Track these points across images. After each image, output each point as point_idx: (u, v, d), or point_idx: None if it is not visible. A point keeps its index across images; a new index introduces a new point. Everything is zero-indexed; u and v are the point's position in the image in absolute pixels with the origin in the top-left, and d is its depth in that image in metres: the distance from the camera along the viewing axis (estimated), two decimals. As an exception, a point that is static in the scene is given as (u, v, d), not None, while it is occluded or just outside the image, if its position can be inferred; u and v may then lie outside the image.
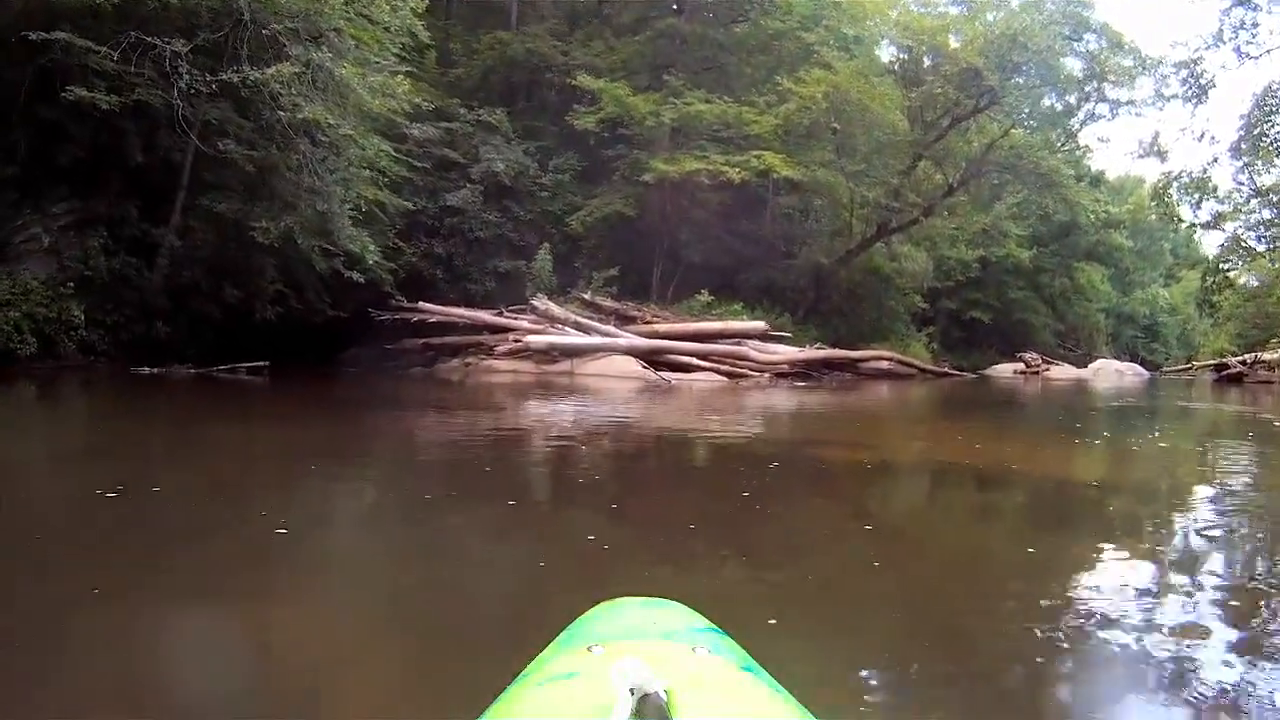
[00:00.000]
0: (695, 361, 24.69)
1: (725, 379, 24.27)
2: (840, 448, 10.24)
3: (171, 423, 11.73)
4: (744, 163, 29.04)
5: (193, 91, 18.42)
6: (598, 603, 1.70)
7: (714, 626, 1.63)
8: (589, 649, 1.46)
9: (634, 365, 23.68)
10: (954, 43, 35.33)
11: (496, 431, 11.49)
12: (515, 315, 26.30)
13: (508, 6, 35.29)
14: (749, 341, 26.42)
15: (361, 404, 16.00)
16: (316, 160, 20.36)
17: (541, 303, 26.03)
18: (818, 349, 28.70)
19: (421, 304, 25.93)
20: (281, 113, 19.01)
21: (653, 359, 24.25)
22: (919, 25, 36.02)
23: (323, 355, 25.65)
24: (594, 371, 23.47)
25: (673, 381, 22.35)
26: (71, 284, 18.94)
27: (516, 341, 24.41)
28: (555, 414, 14.06)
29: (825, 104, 30.51)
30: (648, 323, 26.89)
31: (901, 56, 39.59)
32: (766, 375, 25.31)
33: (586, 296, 27.31)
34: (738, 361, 25.47)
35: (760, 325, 27.17)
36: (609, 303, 27.46)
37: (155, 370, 18.93)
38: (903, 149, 35.04)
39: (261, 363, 20.19)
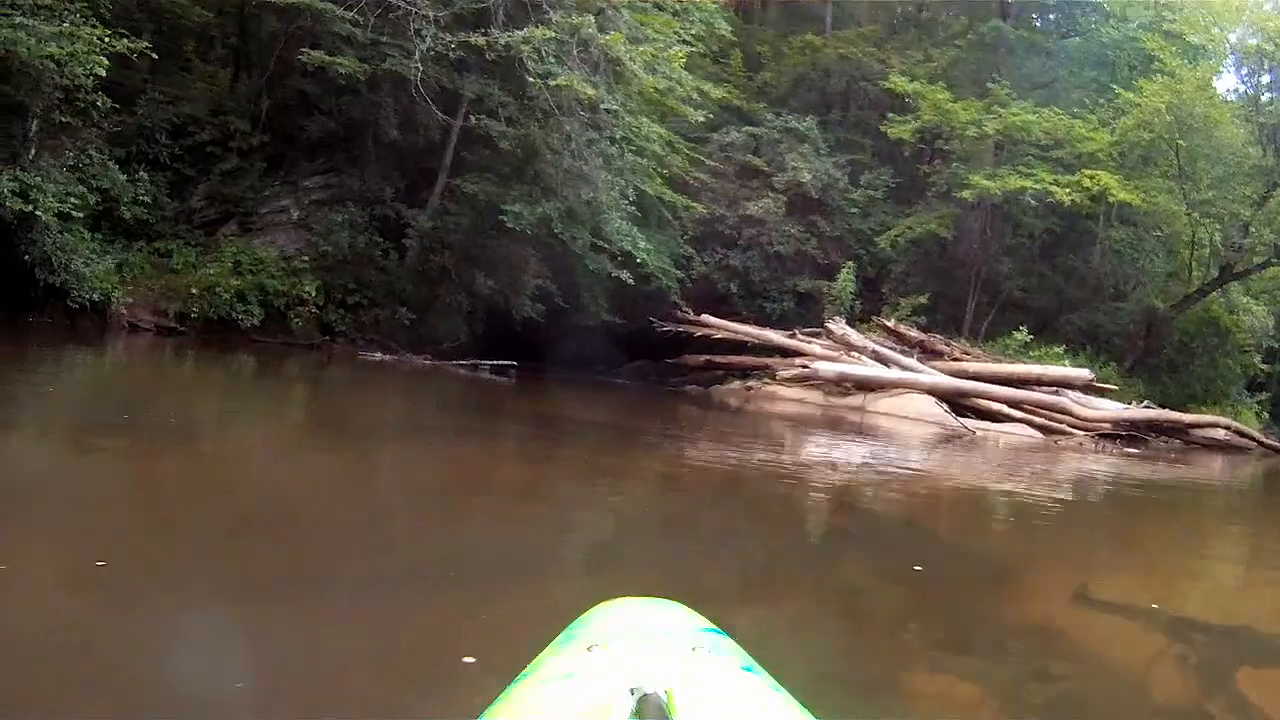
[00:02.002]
0: (1005, 410, 21.70)
1: (1039, 434, 20.63)
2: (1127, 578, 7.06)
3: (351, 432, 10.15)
4: (1075, 183, 25.28)
5: (433, 54, 17.03)
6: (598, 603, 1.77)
7: (714, 626, 1.72)
8: (589, 649, 1.53)
9: (934, 407, 20.63)
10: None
11: (775, 466, 10.74)
12: (809, 339, 23.91)
13: (821, 11, 33.16)
14: (1069, 392, 23.10)
15: (607, 425, 14.28)
16: (581, 141, 18.26)
17: (838, 326, 23.47)
18: (1145, 408, 24.88)
19: (704, 317, 24.07)
20: (530, 78, 17.12)
21: (957, 402, 21.49)
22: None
23: (593, 363, 24.29)
24: (887, 410, 20.60)
25: (977, 432, 19.08)
26: (306, 258, 18.31)
27: (803, 367, 21.97)
28: (837, 454, 12.96)
29: (1169, 117, 26.54)
30: (955, 359, 23.54)
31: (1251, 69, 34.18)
32: (1087, 434, 22.04)
33: (890, 323, 24.42)
34: (1054, 415, 22.13)
35: (1084, 374, 23.10)
36: (914, 332, 24.34)
37: (388, 357, 18.09)
38: (1254, 177, 30.12)
39: (509, 362, 18.88)
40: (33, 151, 14.94)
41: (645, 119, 20.24)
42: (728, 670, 1.49)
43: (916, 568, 5.95)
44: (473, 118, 18.46)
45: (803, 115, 28.98)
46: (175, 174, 18.74)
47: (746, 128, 27.98)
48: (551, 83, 16.91)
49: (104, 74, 14.53)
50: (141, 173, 17.47)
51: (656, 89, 19.72)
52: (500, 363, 18.85)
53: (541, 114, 18.16)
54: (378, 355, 18.12)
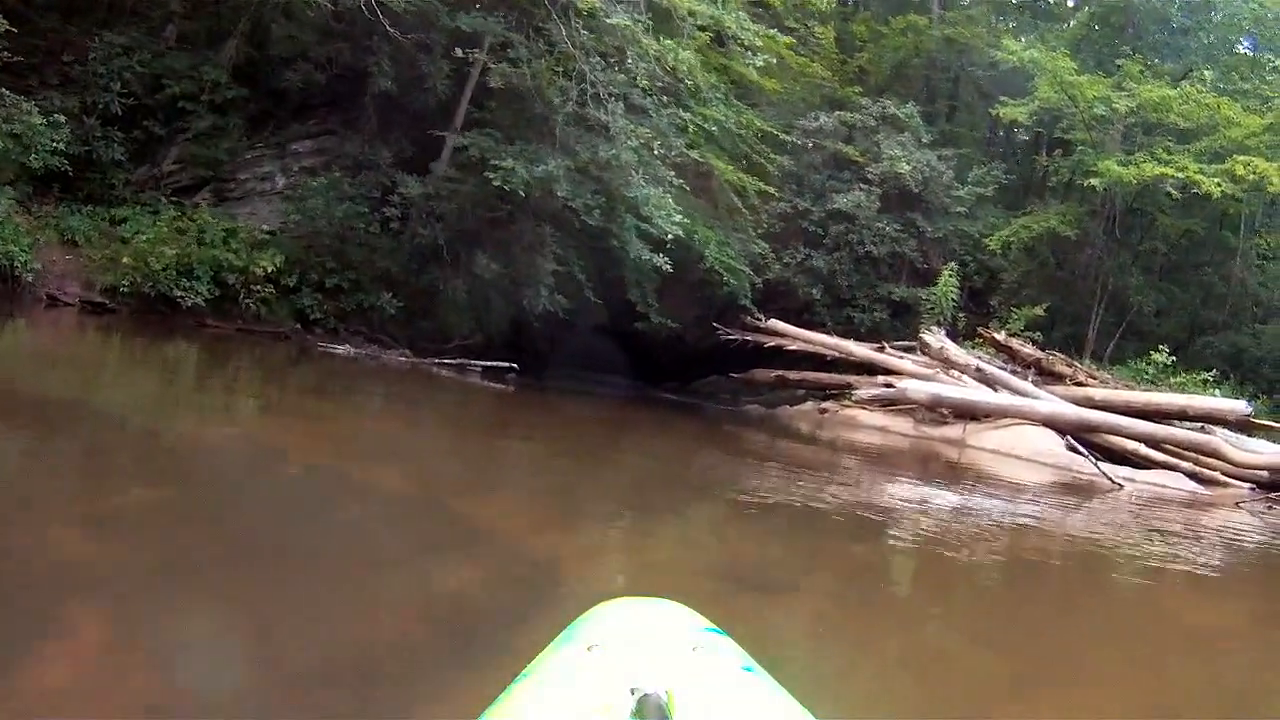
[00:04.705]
0: (1141, 449, 17.60)
1: (1193, 483, 15.89)
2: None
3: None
4: (1224, 171, 21.26)
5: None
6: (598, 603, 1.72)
7: (714, 626, 1.73)
8: (589, 649, 1.53)
9: (1054, 443, 16.80)
10: None
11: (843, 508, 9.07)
12: (900, 354, 20.09)
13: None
14: (1217, 430, 18.90)
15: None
16: (601, 83, 14.69)
17: (935, 338, 19.60)
18: (1312, 451, 20.16)
19: (773, 323, 20.54)
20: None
21: (1083, 437, 17.41)
22: None
23: (651, 377, 20.83)
24: (995, 445, 16.61)
25: (1121, 482, 14.30)
26: (266, 229, 15.77)
27: (887, 386, 18.10)
28: (923, 502, 10.39)
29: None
30: (1079, 383, 19.32)
31: None
32: (1246, 484, 17.58)
33: (1000, 336, 20.39)
34: (1202, 458, 18.11)
35: (1241, 406, 18.76)
36: (1029, 349, 20.23)
37: (356, 351, 15.28)
38: None
39: (505, 364, 15.96)
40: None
41: (695, 64, 16.51)
42: (728, 670, 1.49)
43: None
44: (483, 63, 15.10)
45: (902, 103, 25.41)
46: (145, 133, 16.18)
47: (838, 113, 24.73)
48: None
49: None
50: (91, 122, 15.13)
51: (695, 16, 16.03)
52: (495, 364, 15.84)
53: (551, 50, 14.85)
54: (341, 349, 15.12)
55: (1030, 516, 10.61)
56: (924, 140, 24.87)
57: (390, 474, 7.08)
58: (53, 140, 13.44)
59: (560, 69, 15.23)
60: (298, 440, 7.85)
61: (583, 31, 14.81)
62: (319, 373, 13.71)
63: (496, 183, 14.53)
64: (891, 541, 7.89)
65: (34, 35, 15.09)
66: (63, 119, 13.80)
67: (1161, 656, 5.36)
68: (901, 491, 11.44)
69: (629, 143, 15.06)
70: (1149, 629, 6.02)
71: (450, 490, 6.84)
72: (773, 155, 21.52)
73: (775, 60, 19.31)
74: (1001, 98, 24.74)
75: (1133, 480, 14.61)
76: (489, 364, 16.01)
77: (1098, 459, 15.44)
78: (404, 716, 2.88)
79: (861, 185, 23.57)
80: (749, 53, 17.02)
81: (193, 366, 12.59)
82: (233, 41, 16.21)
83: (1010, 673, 4.52)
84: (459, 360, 16.00)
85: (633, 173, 15.20)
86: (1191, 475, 16.53)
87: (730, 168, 19.64)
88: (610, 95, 14.85)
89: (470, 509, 6.21)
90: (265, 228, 15.76)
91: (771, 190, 21.27)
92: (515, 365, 16.31)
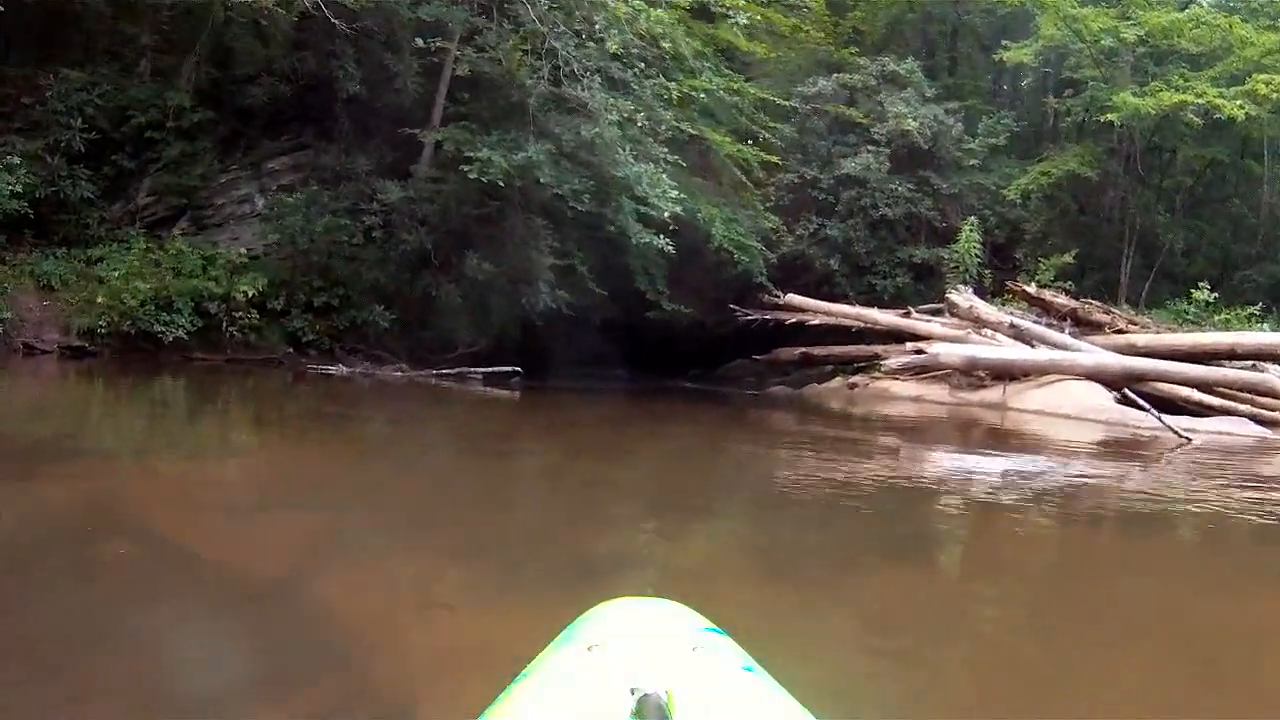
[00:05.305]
0: (1194, 395, 16.59)
1: (1260, 427, 14.89)
2: None
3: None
4: (1247, 93, 20.19)
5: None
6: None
7: (714, 626, 1.69)
8: (589, 649, 1.51)
9: (1102, 398, 15.81)
10: None
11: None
12: (927, 317, 19.19)
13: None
14: (1270, 367, 17.86)
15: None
16: (576, 58, 13.80)
17: (963, 297, 18.66)
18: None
19: (790, 297, 19.61)
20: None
21: (1131, 388, 16.40)
22: None
23: (659, 365, 20.01)
24: (1039, 405, 15.58)
25: (1188, 435, 13.05)
26: (243, 251, 15.12)
27: (917, 352, 17.02)
28: (968, 474, 9.67)
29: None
30: (1119, 331, 18.35)
31: None
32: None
33: (1031, 289, 19.43)
34: (1258, 398, 16.28)
35: None
36: (1063, 299, 19.17)
37: (349, 370, 14.56)
38: None
39: (509, 369, 15.31)
40: None
41: (671, 27, 15.62)
42: (728, 670, 1.48)
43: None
44: (454, 54, 14.22)
45: (901, 60, 24.51)
46: (114, 168, 15.62)
47: (836, 75, 23.74)
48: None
49: None
50: (56, 161, 14.53)
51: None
52: (496, 370, 15.05)
53: (518, 29, 14.05)
54: (334, 370, 14.46)
55: (1089, 479, 9.74)
56: (928, 95, 23.88)
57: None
58: (7, 184, 12.71)
59: (528, 48, 14.43)
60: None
61: (548, 3, 13.96)
62: (303, 397, 12.97)
63: (473, 175, 13.72)
64: (937, 523, 7.10)
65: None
66: (17, 160, 13.23)
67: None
68: (943, 464, 10.67)
69: (610, 117, 14.15)
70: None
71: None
72: (773, 124, 20.59)
73: (762, 23, 18.37)
74: (1004, 42, 23.80)
75: (1195, 431, 13.52)
76: (490, 370, 15.23)
77: (1158, 414, 14.35)
78: (404, 716, 2.77)
79: (869, 147, 22.55)
80: (730, 13, 16.12)
81: (144, 405, 11.64)
82: (191, 61, 15.56)
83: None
84: (458, 369, 15.28)
85: (619, 150, 14.31)
86: (1253, 418, 15.56)
87: (727, 139, 18.74)
88: (585, 70, 13.98)
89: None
90: (248, 251, 15.08)
91: (775, 159, 20.30)
92: (519, 369, 15.49)
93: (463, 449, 9.56)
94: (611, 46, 14.34)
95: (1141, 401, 15.11)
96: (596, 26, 14.11)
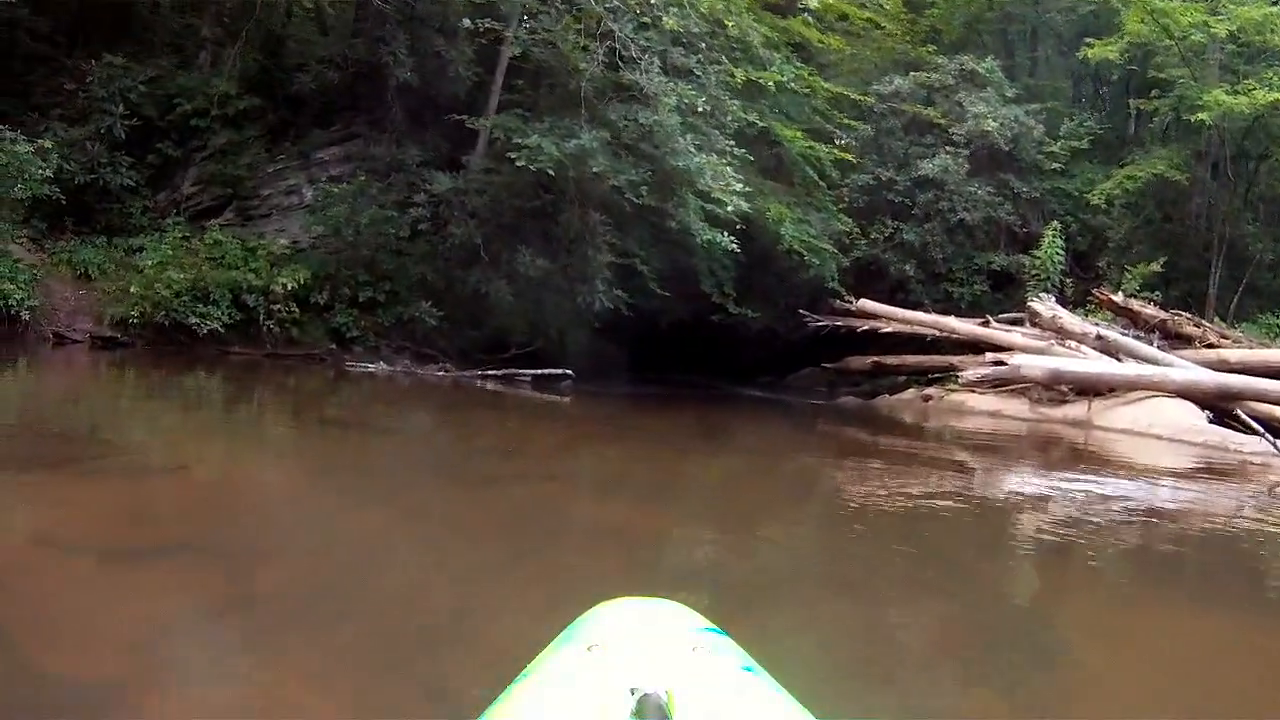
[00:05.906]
0: (1294, 416, 15.42)
1: None
2: None
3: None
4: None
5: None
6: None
7: (714, 626, 1.68)
8: (589, 649, 1.51)
9: (1195, 417, 14.87)
10: None
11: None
12: (1006, 327, 18.21)
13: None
14: (1371, 391, 16.32)
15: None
16: (626, 29, 13.07)
17: (1046, 306, 17.60)
18: None
19: (863, 303, 18.86)
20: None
21: (1221, 406, 15.34)
22: None
23: (728, 371, 19.23)
24: (1126, 424, 14.56)
25: None
26: (283, 243, 14.69)
27: (997, 364, 16.02)
28: (1047, 499, 8.84)
29: None
30: (1210, 345, 17.32)
31: None
32: None
33: (1118, 299, 18.36)
34: None
35: None
36: (1151, 310, 18.11)
37: (390, 369, 13.94)
38: None
39: (559, 371, 14.86)
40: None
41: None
42: (728, 670, 1.47)
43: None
44: (510, 39, 13.53)
45: (981, 58, 23.71)
46: (160, 156, 15.26)
47: (913, 73, 22.95)
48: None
49: None
50: (97, 148, 14.17)
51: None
52: (546, 372, 14.48)
53: (573, 10, 13.44)
54: (374, 367, 13.86)
55: (1184, 505, 8.92)
56: (1008, 96, 22.97)
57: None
58: (39, 168, 12.23)
59: (583, 28, 13.79)
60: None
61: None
62: (331, 400, 12.26)
63: (521, 163, 13.06)
64: (1015, 550, 6.74)
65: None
66: (49, 145, 12.70)
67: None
68: (1021, 485, 9.96)
69: (669, 102, 13.40)
70: None
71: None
72: (848, 122, 19.94)
73: (834, 14, 17.62)
74: (1087, 40, 22.75)
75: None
76: (539, 372, 14.60)
77: (1272, 438, 13.25)
78: (404, 716, 2.79)
79: (947, 148, 21.69)
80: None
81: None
82: (235, 49, 15.12)
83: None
84: (505, 370, 14.66)
85: (680, 140, 13.53)
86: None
87: (800, 134, 17.99)
88: (644, 53, 13.24)
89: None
90: (293, 244, 14.60)
91: (849, 157, 19.59)
92: (569, 372, 14.82)
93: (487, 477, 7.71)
94: (669, 24, 13.59)
95: (1253, 423, 14.06)
96: (654, 4, 13.38)
